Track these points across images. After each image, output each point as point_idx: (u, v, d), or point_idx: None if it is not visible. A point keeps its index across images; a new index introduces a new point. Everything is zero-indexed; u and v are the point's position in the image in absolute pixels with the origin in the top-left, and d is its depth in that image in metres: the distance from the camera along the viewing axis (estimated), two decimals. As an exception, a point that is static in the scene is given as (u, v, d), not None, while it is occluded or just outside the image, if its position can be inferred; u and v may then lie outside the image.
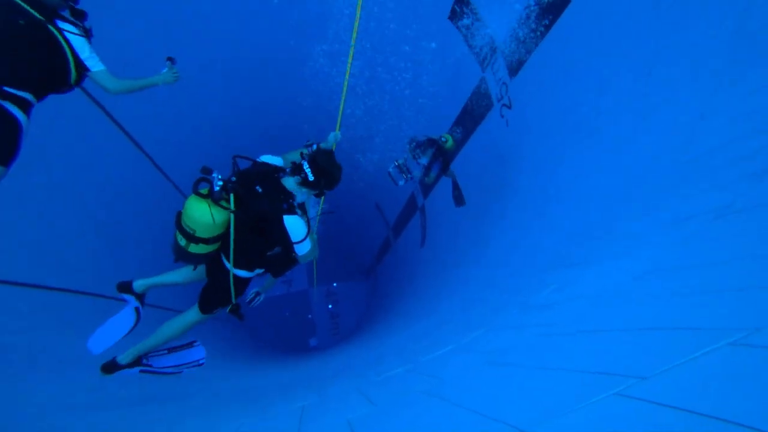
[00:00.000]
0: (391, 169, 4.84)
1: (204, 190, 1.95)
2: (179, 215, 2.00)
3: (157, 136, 5.00)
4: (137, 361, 2.13)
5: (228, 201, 1.94)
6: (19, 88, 1.64)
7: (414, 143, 4.59)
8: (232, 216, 1.95)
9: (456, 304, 3.92)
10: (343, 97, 3.78)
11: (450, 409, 1.23)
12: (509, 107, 4.47)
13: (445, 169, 4.80)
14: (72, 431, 1.76)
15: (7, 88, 1.59)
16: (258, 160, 2.20)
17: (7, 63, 1.59)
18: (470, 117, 5.25)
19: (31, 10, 1.61)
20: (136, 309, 2.29)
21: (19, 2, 1.60)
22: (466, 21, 4.52)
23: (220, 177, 1.96)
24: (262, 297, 2.71)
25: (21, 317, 2.69)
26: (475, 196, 5.31)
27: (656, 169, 2.02)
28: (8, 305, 2.63)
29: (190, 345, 2.33)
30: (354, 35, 3.42)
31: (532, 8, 3.56)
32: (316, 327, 10.96)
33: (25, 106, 1.67)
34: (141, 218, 4.84)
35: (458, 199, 5.44)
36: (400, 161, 4.67)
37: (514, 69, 4.06)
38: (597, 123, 2.82)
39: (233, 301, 2.11)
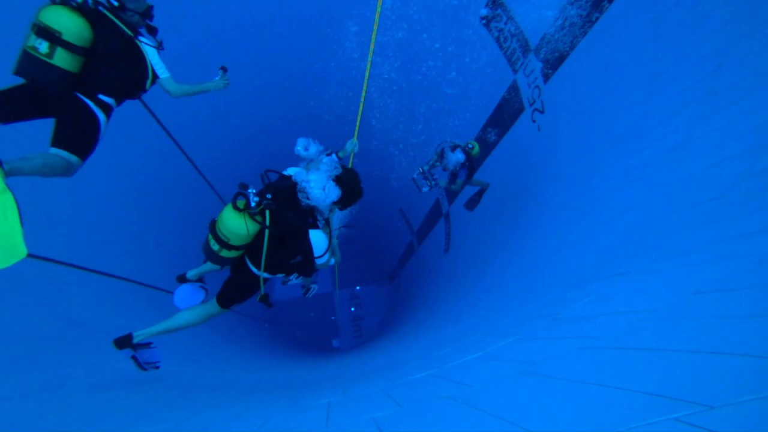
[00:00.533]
0: (415, 176, 4.88)
1: (241, 204, 2.14)
2: (214, 223, 2.20)
3: (197, 141, 5.25)
4: (144, 345, 2.30)
5: (263, 216, 2.15)
6: (107, 95, 1.89)
7: (440, 149, 4.58)
8: (266, 231, 2.15)
9: (481, 311, 3.83)
10: (361, 106, 3.82)
11: (479, 416, 1.19)
12: (542, 111, 4.36)
13: (470, 176, 4.74)
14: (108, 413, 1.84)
15: (99, 95, 1.86)
16: (284, 173, 2.37)
17: (102, 73, 1.84)
18: (499, 122, 5.17)
19: (124, 28, 1.90)
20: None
21: (115, 20, 1.86)
22: (498, 22, 4.47)
23: (254, 192, 2.17)
24: (315, 288, 3.08)
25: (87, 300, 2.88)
26: (503, 203, 5.20)
27: (717, 178, 1.88)
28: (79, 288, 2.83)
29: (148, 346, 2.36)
30: (373, 39, 3.46)
31: (570, 5, 3.46)
32: (339, 329, 11.03)
33: (108, 111, 1.93)
34: (179, 213, 5.06)
35: (472, 203, 5.32)
36: (425, 168, 4.70)
37: (549, 71, 3.97)
38: (644, 127, 2.67)
39: (261, 292, 2.37)
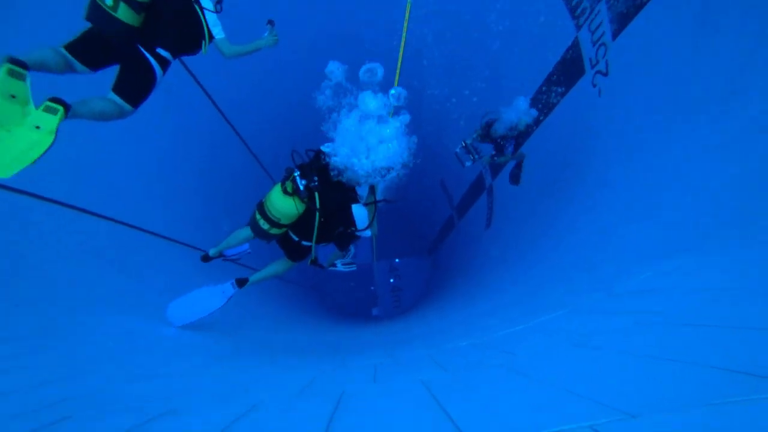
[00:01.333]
0: (458, 150, 4.65)
1: (289, 188, 2.36)
2: (262, 204, 2.43)
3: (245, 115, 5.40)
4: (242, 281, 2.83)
5: (311, 198, 2.35)
6: (164, 49, 2.04)
7: (486, 121, 4.31)
8: (316, 213, 2.36)
9: (526, 285, 3.74)
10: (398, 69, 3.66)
11: (533, 384, 1.17)
12: (605, 74, 3.98)
13: (517, 149, 4.46)
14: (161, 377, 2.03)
15: (158, 49, 2.01)
16: (322, 149, 2.48)
17: (161, 29, 2.00)
18: (556, 85, 4.79)
19: None
20: (230, 297, 2.78)
21: None
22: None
23: (299, 174, 2.36)
24: (354, 267, 3.33)
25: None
26: (553, 176, 4.92)
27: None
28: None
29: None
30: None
31: None
32: (378, 299, 11.34)
33: (164, 64, 2.09)
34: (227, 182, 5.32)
35: (515, 177, 5.02)
36: (468, 141, 4.50)
37: (619, 27, 3.56)
38: (734, 90, 2.32)
39: (313, 256, 2.69)
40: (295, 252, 2.73)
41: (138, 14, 1.85)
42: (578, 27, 4.13)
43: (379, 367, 1.79)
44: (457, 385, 1.36)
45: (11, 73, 1.48)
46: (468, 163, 4.66)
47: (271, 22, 2.47)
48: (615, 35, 3.67)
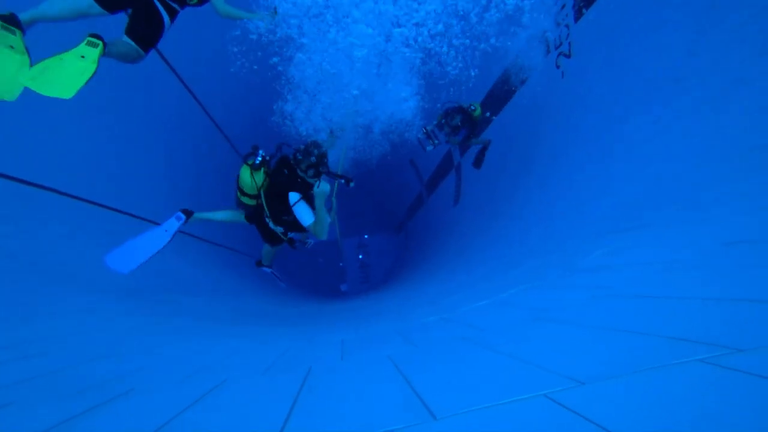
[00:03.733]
0: (420, 136, 5.15)
1: (250, 162, 2.79)
2: (237, 178, 2.88)
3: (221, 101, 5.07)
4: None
5: (267, 174, 2.81)
6: (173, 1, 2.26)
7: (444, 109, 4.79)
8: (264, 183, 2.82)
9: (490, 263, 3.88)
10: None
11: (494, 356, 1.23)
12: (568, 56, 4.06)
13: (470, 136, 4.92)
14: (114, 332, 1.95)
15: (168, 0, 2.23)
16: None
17: None
18: (516, 69, 4.86)
19: None
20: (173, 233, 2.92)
21: None
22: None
23: (263, 154, 2.78)
24: (311, 242, 3.48)
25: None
26: (516, 153, 5.05)
27: (766, 124, 1.74)
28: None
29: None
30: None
31: None
32: (347, 275, 11.41)
33: (172, 13, 2.28)
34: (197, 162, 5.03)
35: (478, 162, 5.45)
36: (429, 128, 4.94)
37: (582, 9, 3.61)
38: (688, 69, 2.44)
39: (286, 239, 3.15)
40: (267, 236, 3.16)
41: None
42: (543, 12, 4.16)
43: (347, 343, 1.81)
44: (423, 359, 1.41)
45: (91, 44, 1.88)
46: (429, 148, 5.09)
47: (275, 11, 2.79)
48: (578, 17, 3.73)
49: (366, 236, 11.86)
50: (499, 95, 5.41)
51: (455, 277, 4.30)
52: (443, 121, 4.78)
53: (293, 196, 2.72)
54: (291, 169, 2.77)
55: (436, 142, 4.98)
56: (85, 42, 1.89)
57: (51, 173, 2.87)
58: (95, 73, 1.86)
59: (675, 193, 1.97)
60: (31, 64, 1.81)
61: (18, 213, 2.51)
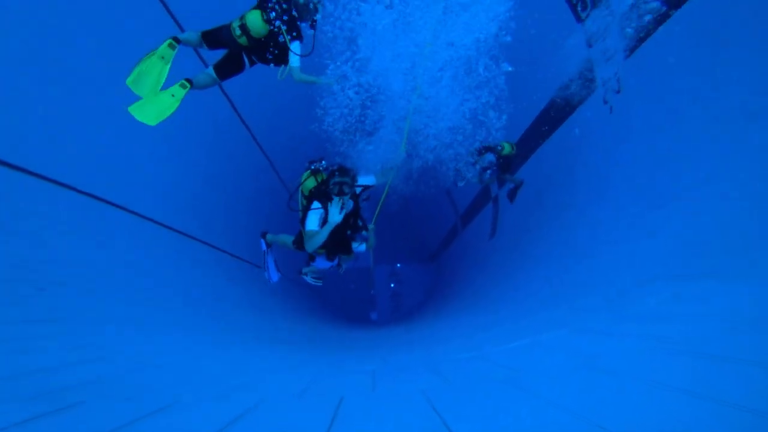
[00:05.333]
0: (452, 172, 5.50)
1: (313, 167, 3.31)
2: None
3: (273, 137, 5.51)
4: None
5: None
6: (257, 59, 2.93)
7: (474, 150, 5.04)
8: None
9: (527, 300, 3.72)
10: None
11: (535, 403, 1.16)
12: (617, 91, 3.97)
13: (504, 173, 5.14)
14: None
15: (252, 57, 2.92)
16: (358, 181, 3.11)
17: (258, 53, 2.88)
18: (564, 102, 4.80)
19: (285, 35, 2.79)
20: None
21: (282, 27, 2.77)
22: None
23: (323, 164, 3.27)
24: (344, 267, 3.60)
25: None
26: (560, 189, 4.91)
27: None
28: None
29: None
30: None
31: None
32: (378, 303, 11.30)
33: (252, 64, 2.95)
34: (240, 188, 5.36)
35: (511, 196, 5.48)
36: (459, 165, 5.23)
37: (633, 45, 3.56)
38: (758, 105, 2.29)
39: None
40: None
41: (248, 42, 2.77)
42: (590, 45, 4.14)
43: (378, 374, 1.79)
44: (459, 398, 1.35)
45: (170, 46, 2.53)
46: (460, 184, 5.40)
47: (339, 78, 3.25)
48: (628, 55, 3.67)
49: (398, 265, 11.78)
50: (541, 129, 5.37)
51: (489, 312, 4.14)
52: (473, 159, 4.94)
53: (315, 204, 2.92)
54: (325, 180, 3.05)
55: (467, 177, 5.20)
56: (179, 84, 2.55)
57: (116, 189, 3.15)
58: (176, 109, 2.52)
59: (743, 241, 1.82)
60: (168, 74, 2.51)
61: (82, 224, 2.76)
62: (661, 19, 3.19)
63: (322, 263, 3.67)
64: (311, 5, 2.85)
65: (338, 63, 3.93)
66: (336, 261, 3.55)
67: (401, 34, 3.95)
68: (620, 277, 2.51)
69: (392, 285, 11.53)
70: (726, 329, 1.26)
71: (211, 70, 2.85)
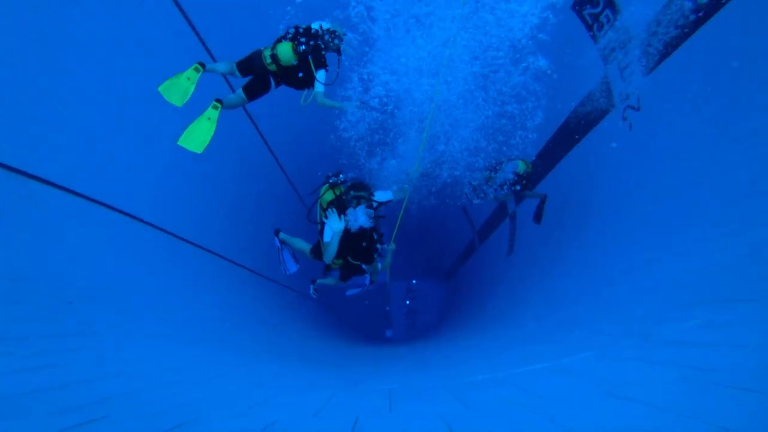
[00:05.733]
0: (467, 190, 5.39)
1: (332, 181, 3.40)
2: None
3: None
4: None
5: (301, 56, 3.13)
6: (282, 83, 3.16)
7: (492, 165, 4.96)
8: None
9: (547, 320, 3.60)
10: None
11: (557, 430, 1.11)
12: (637, 109, 3.91)
13: (523, 190, 5.00)
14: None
15: (279, 79, 3.14)
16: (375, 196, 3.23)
17: (285, 78, 3.12)
18: (582, 118, 4.75)
19: (311, 64, 3.01)
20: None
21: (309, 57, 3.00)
22: (592, 9, 4.07)
23: (341, 178, 3.37)
24: (367, 284, 3.74)
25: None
26: (579, 207, 4.80)
27: None
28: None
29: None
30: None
31: None
32: (393, 320, 11.17)
33: (278, 85, 3.18)
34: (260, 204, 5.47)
35: (537, 216, 5.32)
36: (475, 183, 5.14)
37: (653, 62, 3.52)
38: None
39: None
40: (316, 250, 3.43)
41: (277, 69, 3.02)
42: (606, 63, 4.11)
43: (394, 394, 1.75)
44: (478, 425, 1.31)
45: (195, 69, 2.82)
46: (476, 201, 5.26)
47: (363, 103, 3.39)
48: (647, 73, 3.63)
49: (414, 281, 11.66)
50: (559, 145, 5.31)
51: (507, 332, 4.02)
52: (489, 175, 4.87)
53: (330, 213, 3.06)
54: (343, 193, 3.20)
55: (482, 196, 5.12)
56: (212, 106, 2.82)
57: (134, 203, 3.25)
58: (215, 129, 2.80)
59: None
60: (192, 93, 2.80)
61: (102, 238, 2.85)
62: (679, 39, 3.16)
63: (336, 276, 3.83)
64: (336, 40, 3.10)
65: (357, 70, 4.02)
66: (362, 280, 3.74)
67: (417, 41, 3.98)
68: (647, 300, 2.41)
69: (408, 302, 11.40)
70: (764, 360, 1.19)
71: (240, 92, 3.10)
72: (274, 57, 2.97)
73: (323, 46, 3.04)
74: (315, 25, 3.08)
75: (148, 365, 1.78)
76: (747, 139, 2.52)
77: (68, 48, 2.57)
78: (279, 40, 3.03)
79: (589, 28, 4.20)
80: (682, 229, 2.76)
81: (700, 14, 2.92)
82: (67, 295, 2.06)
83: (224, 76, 3.56)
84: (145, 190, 3.34)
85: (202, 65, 2.85)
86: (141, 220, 3.19)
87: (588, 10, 4.16)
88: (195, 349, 2.45)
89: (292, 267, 3.90)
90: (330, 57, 3.19)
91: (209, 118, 2.78)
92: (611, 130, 4.22)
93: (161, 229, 3.43)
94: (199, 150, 2.74)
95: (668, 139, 3.41)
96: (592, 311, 2.96)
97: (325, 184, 3.44)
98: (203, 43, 3.77)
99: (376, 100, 4.03)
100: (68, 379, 1.27)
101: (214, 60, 3.80)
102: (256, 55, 3.00)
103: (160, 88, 2.73)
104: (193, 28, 3.67)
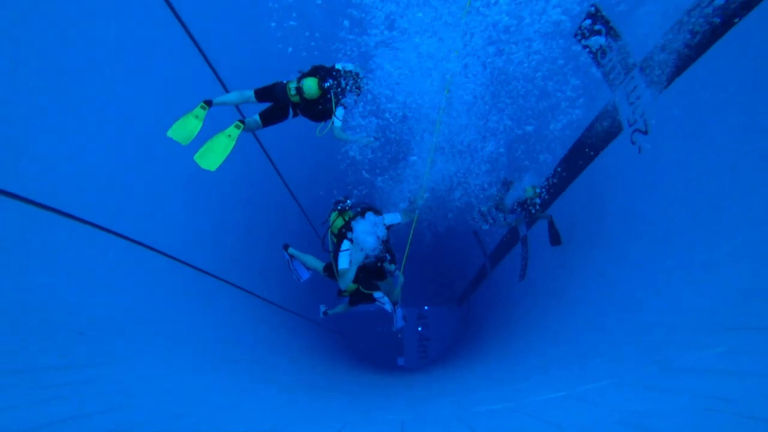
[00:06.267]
0: (476, 215, 5.49)
1: (339, 207, 3.45)
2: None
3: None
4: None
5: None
6: (301, 114, 3.30)
7: (499, 195, 5.08)
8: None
9: (562, 347, 3.50)
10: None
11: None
12: (644, 132, 3.93)
13: (530, 215, 5.06)
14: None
15: (298, 110, 3.28)
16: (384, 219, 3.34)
17: (305, 110, 3.27)
18: (591, 142, 4.79)
19: (332, 101, 3.20)
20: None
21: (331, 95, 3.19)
22: (597, 38, 4.18)
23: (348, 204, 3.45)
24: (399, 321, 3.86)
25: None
26: (592, 232, 4.75)
27: None
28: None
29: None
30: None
31: (696, 13, 3.05)
32: (405, 347, 10.92)
33: (295, 114, 3.31)
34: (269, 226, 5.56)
35: (553, 239, 5.28)
36: (484, 209, 5.22)
37: (659, 87, 3.57)
38: None
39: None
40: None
41: (300, 101, 3.17)
42: (613, 89, 4.18)
43: (407, 426, 1.71)
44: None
45: (202, 107, 2.84)
46: (485, 227, 5.37)
47: (376, 138, 3.52)
48: (654, 97, 3.67)
49: (426, 307, 11.47)
50: (569, 169, 5.32)
51: (521, 360, 3.90)
52: (498, 201, 4.94)
53: (344, 245, 3.11)
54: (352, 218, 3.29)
55: (491, 221, 5.19)
56: (234, 125, 2.92)
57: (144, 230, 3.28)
58: (233, 149, 2.84)
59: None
60: (199, 132, 2.82)
61: (127, 270, 2.90)
62: (684, 63, 3.22)
63: (345, 302, 3.89)
64: (358, 82, 3.28)
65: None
66: (392, 312, 3.84)
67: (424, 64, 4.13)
68: (665, 325, 2.35)
69: (420, 328, 11.17)
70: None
71: (257, 117, 3.23)
72: (299, 90, 3.12)
73: (345, 84, 3.22)
74: (339, 65, 3.27)
75: (158, 396, 1.78)
76: (760, 161, 2.50)
77: (89, 79, 2.69)
78: (305, 75, 3.20)
79: (592, 54, 4.31)
80: (700, 253, 2.70)
81: (712, 30, 2.95)
82: (77, 325, 2.07)
83: (235, 106, 3.66)
84: (154, 217, 3.36)
85: (209, 103, 2.91)
86: (151, 248, 3.21)
87: (591, 39, 4.28)
88: (206, 378, 2.44)
89: (305, 274, 3.98)
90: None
91: (229, 135, 2.86)
92: (622, 153, 4.23)
93: (171, 257, 3.48)
94: (212, 168, 2.76)
95: (680, 161, 3.40)
96: (608, 337, 2.88)
97: (334, 210, 3.49)
98: (216, 74, 3.91)
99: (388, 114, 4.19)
100: (79, 411, 1.28)
101: (227, 90, 3.94)
102: (280, 87, 3.15)
103: (168, 133, 2.77)
104: (210, 65, 3.87)
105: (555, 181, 5.60)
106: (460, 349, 8.68)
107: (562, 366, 2.80)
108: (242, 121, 2.94)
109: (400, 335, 11.09)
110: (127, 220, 3.03)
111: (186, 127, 2.79)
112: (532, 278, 6.56)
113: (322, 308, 4.27)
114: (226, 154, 2.80)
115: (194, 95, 3.01)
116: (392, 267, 3.35)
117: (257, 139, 4.81)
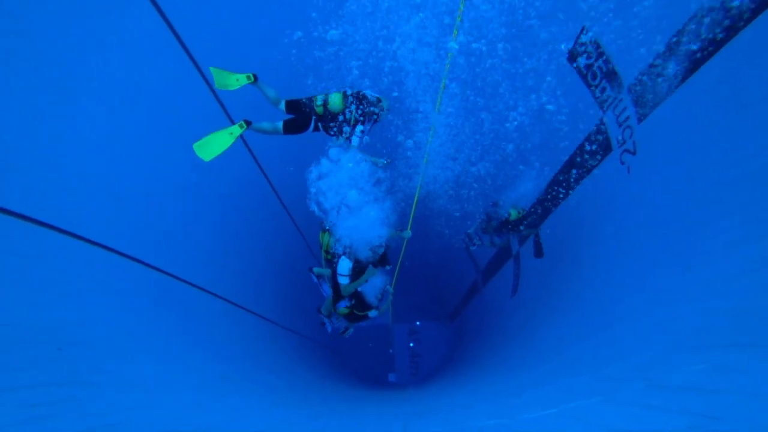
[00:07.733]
0: (463, 237, 5.77)
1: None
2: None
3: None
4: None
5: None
6: (321, 127, 3.51)
7: (484, 215, 5.26)
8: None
9: (555, 361, 3.52)
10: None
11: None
12: (633, 153, 4.06)
13: (519, 232, 5.29)
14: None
15: (319, 123, 3.49)
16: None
17: (326, 122, 3.47)
18: (581, 162, 4.91)
19: (354, 114, 3.43)
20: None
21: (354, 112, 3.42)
22: (587, 60, 4.34)
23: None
24: (351, 330, 3.90)
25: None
26: (583, 249, 4.83)
27: None
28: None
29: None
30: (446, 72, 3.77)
31: (683, 38, 3.18)
32: (396, 363, 10.80)
33: (316, 128, 3.52)
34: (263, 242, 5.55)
35: (537, 252, 5.41)
36: (470, 231, 5.44)
37: (646, 109, 3.71)
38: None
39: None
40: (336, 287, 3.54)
41: (323, 111, 3.40)
42: (604, 111, 4.32)
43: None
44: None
45: (240, 126, 3.02)
46: (473, 248, 5.68)
47: (389, 161, 3.73)
48: (640, 119, 3.81)
49: (418, 323, 11.40)
50: (559, 188, 5.43)
51: (513, 375, 3.91)
52: (484, 225, 5.12)
53: (342, 265, 3.29)
54: None
55: (478, 243, 5.41)
56: (238, 124, 3.03)
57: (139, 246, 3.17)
58: (230, 146, 2.92)
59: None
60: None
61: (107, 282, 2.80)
62: (672, 84, 3.35)
63: (336, 323, 4.09)
64: (378, 109, 3.53)
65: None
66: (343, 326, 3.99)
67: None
68: (653, 343, 2.39)
69: (411, 344, 11.07)
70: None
71: (279, 124, 3.43)
72: (325, 101, 3.38)
73: (366, 105, 3.47)
74: (368, 92, 3.53)
75: (145, 414, 1.75)
76: (746, 181, 2.58)
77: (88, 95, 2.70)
78: (330, 92, 3.47)
79: (583, 77, 4.47)
80: (686, 272, 2.77)
81: (697, 56, 3.07)
82: (56, 341, 1.94)
83: (268, 132, 3.75)
84: (139, 228, 3.19)
85: (248, 122, 3.09)
86: (135, 260, 3.07)
87: (581, 61, 4.44)
88: (194, 395, 2.40)
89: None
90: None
91: (231, 133, 2.97)
92: (611, 173, 4.35)
93: (156, 269, 3.33)
94: (206, 158, 2.84)
95: (667, 182, 3.51)
96: (598, 353, 2.91)
97: (321, 231, 3.68)
98: (210, 86, 3.91)
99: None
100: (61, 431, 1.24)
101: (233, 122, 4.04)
102: (308, 98, 3.43)
103: (195, 146, 2.86)
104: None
105: (548, 197, 5.70)
106: (452, 366, 8.62)
107: (554, 382, 2.82)
108: (247, 122, 3.07)
109: (391, 350, 10.97)
110: (116, 232, 2.90)
111: (215, 142, 2.89)
112: (523, 294, 6.60)
113: (325, 319, 4.33)
114: (223, 149, 2.89)
115: (188, 107, 3.05)
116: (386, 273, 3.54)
117: (252, 154, 4.84)
